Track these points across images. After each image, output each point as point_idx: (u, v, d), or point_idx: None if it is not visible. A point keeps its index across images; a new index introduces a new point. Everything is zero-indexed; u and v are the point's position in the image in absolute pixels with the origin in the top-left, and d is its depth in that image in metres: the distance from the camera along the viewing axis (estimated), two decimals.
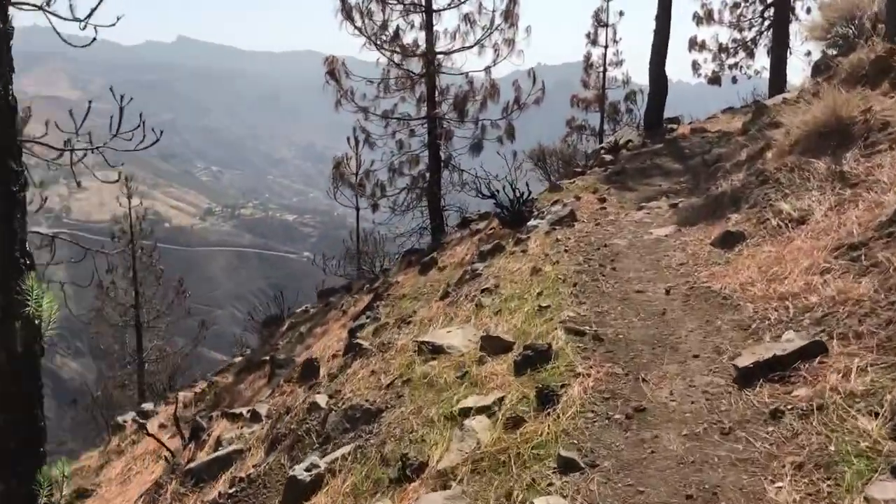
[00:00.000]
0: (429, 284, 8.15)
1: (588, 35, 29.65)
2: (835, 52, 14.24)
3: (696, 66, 24.13)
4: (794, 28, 22.23)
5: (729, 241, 6.23)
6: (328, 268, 16.75)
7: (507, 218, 8.92)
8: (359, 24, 13.40)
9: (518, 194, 8.97)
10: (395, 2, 13.67)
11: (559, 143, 30.89)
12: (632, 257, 6.45)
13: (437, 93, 14.61)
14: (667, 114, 17.13)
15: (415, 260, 13.78)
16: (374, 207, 14.84)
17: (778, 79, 21.80)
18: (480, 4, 14.44)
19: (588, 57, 29.77)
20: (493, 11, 14.05)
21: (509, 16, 13.82)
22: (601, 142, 27.65)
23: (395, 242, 15.35)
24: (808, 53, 23.25)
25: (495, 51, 13.86)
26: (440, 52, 13.98)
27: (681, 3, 17.60)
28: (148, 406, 12.78)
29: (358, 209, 15.44)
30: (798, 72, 22.74)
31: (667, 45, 16.64)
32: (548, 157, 18.39)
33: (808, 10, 22.30)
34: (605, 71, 29.49)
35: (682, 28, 20.77)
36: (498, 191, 12.91)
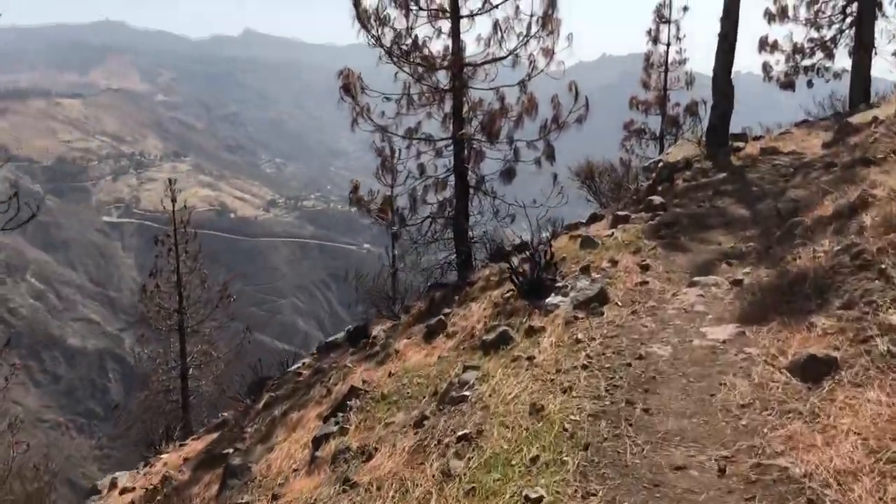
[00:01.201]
0: (417, 380, 6.39)
1: (649, 32, 27.34)
2: None
3: (766, 68, 21.67)
4: (879, 25, 19.68)
5: (814, 369, 4.31)
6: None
7: (525, 287, 7.11)
8: (375, 32, 11.68)
9: (539, 258, 7.13)
10: (417, 7, 11.88)
11: (617, 149, 28.94)
12: (674, 385, 4.58)
13: (465, 109, 12.80)
14: (733, 115, 14.89)
15: (435, 300, 12.07)
16: (395, 237, 13.16)
17: (860, 83, 19.27)
18: (517, 8, 12.55)
19: (648, 56, 27.48)
20: (531, 16, 12.15)
21: (547, 22, 11.90)
22: (661, 149, 25.38)
23: (420, 276, 13.64)
24: None
25: (531, 62, 11.97)
26: (468, 64, 12.15)
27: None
28: (121, 475, 11.45)
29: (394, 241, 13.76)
30: (884, 73, 20.05)
31: (734, 50, 14.45)
32: (597, 176, 16.38)
33: None
34: (666, 71, 27.18)
35: (752, 25, 18.40)
36: (521, 243, 11.09)
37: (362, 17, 11.74)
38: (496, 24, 11.78)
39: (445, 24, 12.66)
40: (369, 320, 13.22)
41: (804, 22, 20.71)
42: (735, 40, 14.34)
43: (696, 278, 6.46)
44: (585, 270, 7.03)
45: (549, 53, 11.95)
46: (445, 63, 12.16)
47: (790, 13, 20.64)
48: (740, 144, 14.33)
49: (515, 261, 7.53)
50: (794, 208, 7.97)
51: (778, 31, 21.28)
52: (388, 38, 11.86)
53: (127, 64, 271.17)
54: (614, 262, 7.09)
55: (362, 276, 14.00)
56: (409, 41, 11.67)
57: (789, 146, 13.93)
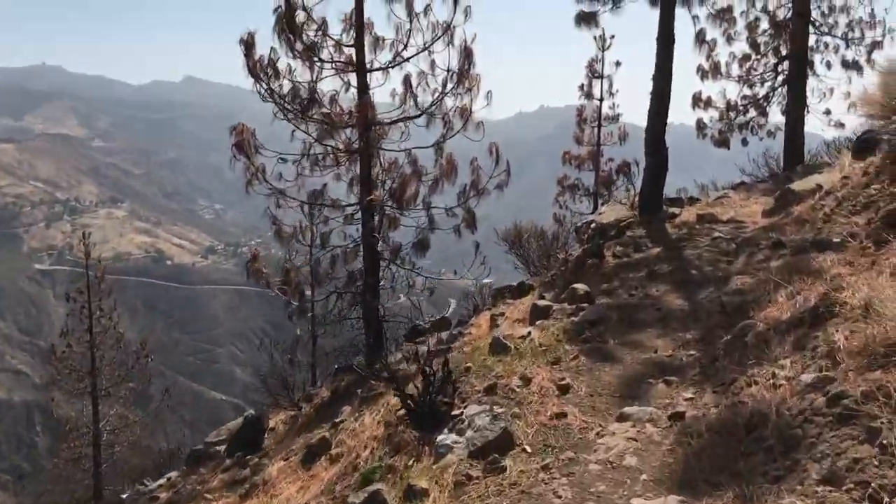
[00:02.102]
0: None
1: (581, 87, 26.68)
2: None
3: (700, 125, 20.90)
4: (811, 84, 19.13)
5: None
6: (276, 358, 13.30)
7: (416, 413, 5.55)
8: (266, 84, 10.19)
9: (433, 376, 5.58)
10: (319, 59, 10.44)
11: (551, 204, 27.92)
12: None
13: (377, 171, 11.36)
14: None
15: (339, 390, 10.46)
16: (296, 315, 11.50)
17: (794, 142, 18.57)
18: (433, 63, 11.25)
19: (581, 111, 26.76)
20: (448, 72, 10.84)
21: (464, 78, 10.60)
22: (595, 206, 24.41)
23: (329, 357, 11.99)
24: (828, 112, 20.08)
25: (445, 122, 10.63)
26: (377, 123, 10.73)
27: (683, 54, 14.39)
28: None
29: (291, 318, 12.02)
30: (815, 130, 19.39)
31: (667, 110, 13.42)
32: (525, 241, 15.07)
33: (829, 66, 19.15)
34: (599, 126, 26.49)
35: (685, 82, 17.56)
36: (440, 319, 9.74)
37: (254, 68, 10.24)
38: (407, 80, 10.40)
39: (355, 78, 11.28)
40: (266, 410, 11.49)
41: (737, 79, 20.05)
42: (668, 99, 13.32)
43: (626, 409, 5.00)
44: (491, 391, 5.53)
45: (466, 112, 10.62)
46: (352, 121, 10.70)
47: (723, 70, 19.95)
48: (675, 210, 13.20)
49: (423, 348, 5.97)
50: (741, 303, 6.66)
51: (711, 88, 20.81)
52: (285, 91, 10.36)
53: (64, 109, 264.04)
54: (527, 380, 5.60)
55: (278, 345, 12.30)
56: (306, 96, 10.17)
57: (728, 212, 12.84)
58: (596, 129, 26.48)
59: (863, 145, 11.15)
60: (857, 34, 18.43)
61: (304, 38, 10.07)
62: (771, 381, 4.75)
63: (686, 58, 18.13)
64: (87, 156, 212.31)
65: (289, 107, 10.25)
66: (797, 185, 11.74)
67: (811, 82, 19.13)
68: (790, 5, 18.49)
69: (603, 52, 25.84)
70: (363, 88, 10.79)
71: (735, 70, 20.00)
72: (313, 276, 11.23)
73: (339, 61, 10.79)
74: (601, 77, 26.08)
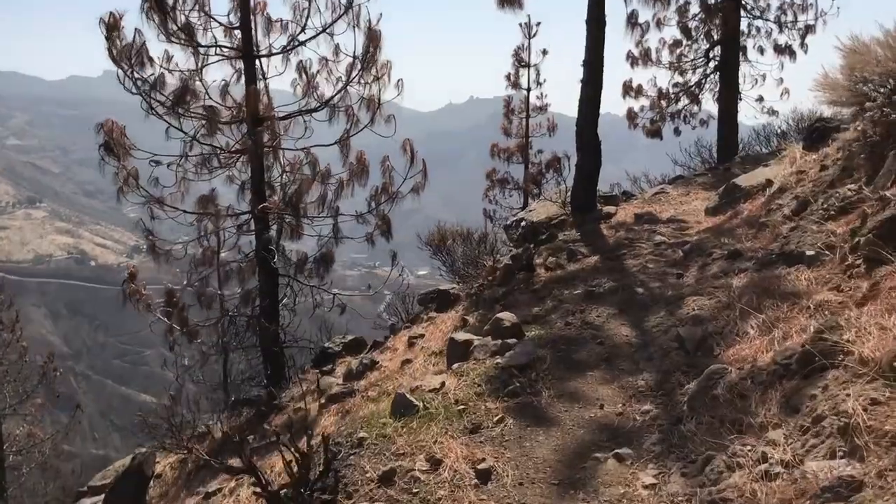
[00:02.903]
0: None
1: (508, 77, 25.35)
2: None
3: (631, 115, 19.83)
4: (742, 70, 18.24)
5: None
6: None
7: None
8: (129, 72, 8.45)
9: (309, 464, 4.07)
10: (195, 43, 8.74)
11: (481, 199, 26.61)
12: None
13: (279, 173, 9.74)
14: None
15: (231, 432, 8.85)
16: (177, 344, 9.77)
17: (727, 130, 17.73)
18: (337, 48, 9.68)
19: (508, 102, 25.45)
20: (354, 57, 9.29)
21: (370, 64, 9.07)
22: (525, 203, 23.13)
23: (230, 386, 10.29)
24: (761, 99, 19.25)
25: (349, 116, 9.08)
26: (266, 118, 9.06)
27: (614, 39, 13.15)
28: None
29: (172, 349, 10.23)
30: (747, 119, 18.49)
31: (598, 99, 12.17)
32: (449, 244, 13.61)
33: (762, 51, 18.26)
34: (528, 117, 25.24)
35: (614, 69, 16.38)
36: (352, 341, 8.36)
37: (119, 55, 8.47)
38: (302, 67, 8.81)
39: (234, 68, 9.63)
40: (152, 453, 9.75)
41: (668, 66, 19.01)
42: (599, 88, 12.05)
43: None
44: (388, 480, 4.06)
45: (373, 104, 9.09)
46: (242, 115, 9.04)
47: (653, 56, 18.89)
48: (611, 209, 11.97)
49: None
50: (703, 336, 5.34)
51: (642, 76, 19.73)
52: (154, 83, 8.62)
53: None
54: (436, 462, 4.15)
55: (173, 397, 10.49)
56: (178, 86, 8.47)
57: (667, 210, 11.68)
58: (524, 121, 25.27)
59: (814, 135, 10.10)
60: (790, 17, 17.58)
61: (179, 17, 8.35)
62: (762, 468, 3.42)
63: (616, 43, 16.95)
64: (2, 155, 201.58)
65: (158, 99, 8.51)
66: (743, 180, 10.63)
67: (743, 68, 18.27)
68: None
69: (529, 39, 24.58)
70: (251, 78, 9.17)
71: (666, 56, 18.96)
72: (200, 297, 9.51)
73: (225, 46, 9.11)
74: (528, 66, 24.82)
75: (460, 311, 9.56)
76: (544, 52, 24.86)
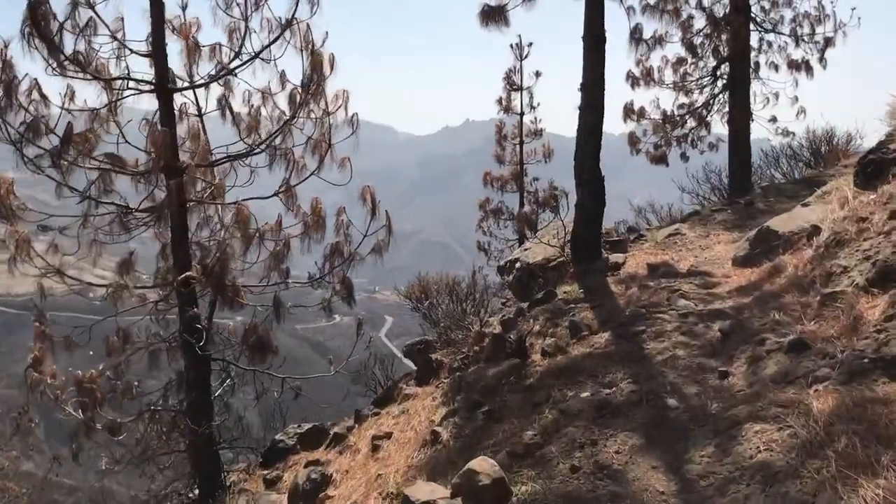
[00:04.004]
0: None
1: (499, 101, 23.56)
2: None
3: (633, 139, 17.92)
4: (753, 88, 16.34)
5: None
6: None
7: None
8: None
9: None
10: (83, 74, 6.80)
11: (475, 230, 24.72)
12: None
13: (211, 229, 7.77)
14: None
15: None
16: (83, 445, 7.75)
17: (739, 155, 15.76)
18: (283, 75, 7.76)
19: (500, 127, 23.65)
20: (296, 87, 7.35)
21: (318, 95, 7.13)
22: (521, 239, 21.12)
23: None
24: (774, 120, 17.35)
25: (288, 160, 7.15)
26: (185, 167, 7.10)
27: (614, 59, 11.19)
28: None
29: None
30: (756, 139, 16.39)
31: (601, 128, 10.27)
32: (432, 298, 11.61)
33: (776, 68, 16.37)
34: (521, 143, 23.42)
35: (615, 91, 14.45)
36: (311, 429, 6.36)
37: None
38: (225, 102, 6.88)
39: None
40: None
41: (672, 86, 17.12)
42: (601, 114, 10.15)
43: None
44: None
45: (322, 146, 7.15)
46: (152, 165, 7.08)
47: (655, 76, 17.01)
48: (618, 258, 9.99)
49: None
50: None
51: (644, 97, 17.92)
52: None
53: None
54: None
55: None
56: (65, 131, 6.52)
57: (686, 259, 9.70)
58: (518, 147, 23.41)
59: (869, 169, 8.14)
60: (807, 30, 15.70)
61: (63, 43, 6.43)
62: None
63: (617, 62, 15.05)
64: None
65: (43, 147, 6.56)
66: (779, 224, 8.64)
67: (754, 86, 16.36)
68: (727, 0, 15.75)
69: (521, 61, 22.82)
70: (168, 115, 7.21)
71: (669, 76, 17.08)
72: (113, 389, 7.50)
73: (133, 79, 7.18)
74: (520, 89, 23.03)
75: (438, 398, 7.56)
76: (537, 74, 23.11)
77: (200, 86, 7.51)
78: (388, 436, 7.20)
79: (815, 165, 17.45)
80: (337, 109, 7.56)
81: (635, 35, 13.97)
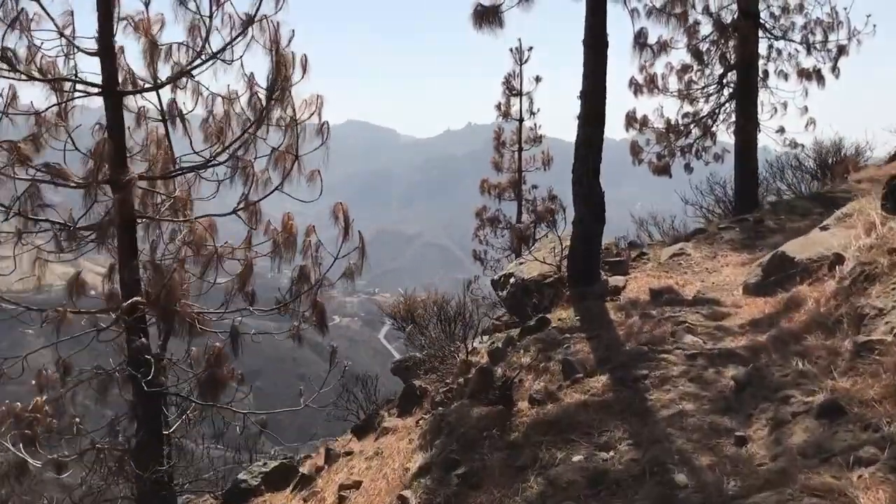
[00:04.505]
0: None
1: (498, 106, 22.75)
2: None
3: (636, 149, 17.11)
4: (762, 97, 15.50)
5: None
6: None
7: None
8: None
9: None
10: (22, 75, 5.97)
11: (471, 238, 23.91)
12: None
13: (160, 253, 6.91)
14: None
15: None
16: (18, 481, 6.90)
17: (747, 166, 14.90)
18: (250, 78, 6.93)
19: (499, 133, 22.84)
20: (257, 93, 6.51)
21: (284, 102, 6.29)
22: (518, 251, 20.26)
23: None
24: (782, 130, 16.53)
25: (247, 174, 6.31)
26: (129, 181, 6.23)
27: (616, 65, 10.31)
28: None
29: None
30: (761, 147, 15.46)
31: (601, 139, 9.43)
32: (420, 317, 10.77)
33: (785, 77, 15.53)
34: (520, 150, 22.61)
35: (617, 98, 13.57)
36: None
37: None
38: (175, 109, 6.03)
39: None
40: None
41: (676, 94, 16.30)
42: (601, 125, 9.32)
43: None
44: None
45: (287, 157, 6.30)
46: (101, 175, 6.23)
47: (659, 83, 16.18)
48: (618, 281, 9.14)
49: None
50: None
51: (647, 105, 16.94)
52: None
53: None
54: None
55: None
56: None
57: (691, 283, 8.86)
58: (517, 154, 22.60)
59: None
60: (819, 37, 14.84)
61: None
62: None
63: (619, 68, 14.19)
64: None
65: None
66: (795, 250, 7.77)
67: (761, 95, 15.50)
68: (735, 5, 14.90)
69: (521, 65, 22.03)
70: (117, 121, 6.37)
71: (673, 83, 16.26)
72: (52, 429, 6.65)
73: (79, 80, 6.35)
74: (520, 94, 22.22)
75: (415, 441, 6.72)
76: (538, 80, 22.35)
77: (151, 89, 6.66)
78: (357, 485, 6.37)
79: (821, 178, 16.62)
80: (311, 116, 6.73)
81: (640, 39, 13.11)
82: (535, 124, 22.38)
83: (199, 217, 6.67)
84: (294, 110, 6.39)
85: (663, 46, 15.26)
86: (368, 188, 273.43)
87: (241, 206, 6.42)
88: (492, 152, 23.20)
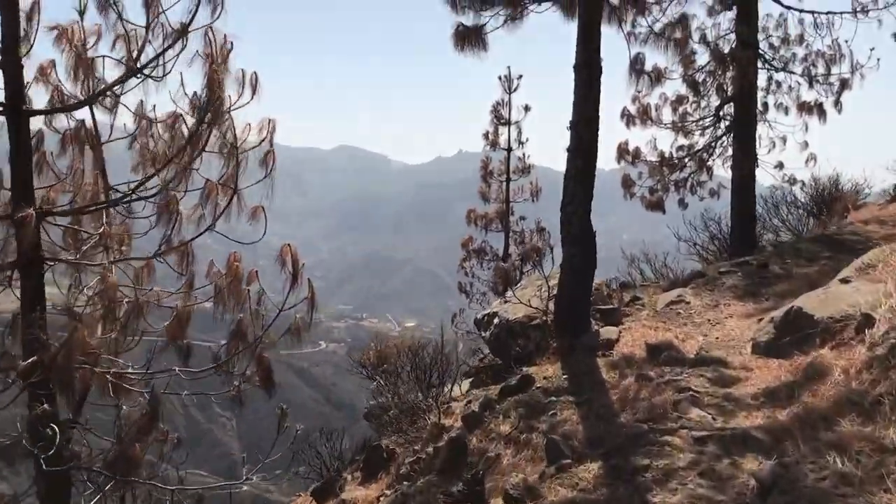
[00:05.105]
0: None
1: (486, 135, 21.78)
2: None
3: (628, 182, 16.12)
4: (760, 131, 14.60)
5: None
6: None
7: None
8: None
9: None
10: None
11: (458, 272, 22.83)
12: None
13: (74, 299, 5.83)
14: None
15: None
16: None
17: (745, 203, 13.98)
18: (193, 99, 5.87)
19: (486, 163, 21.83)
20: (182, 116, 5.50)
21: (218, 119, 5.25)
22: (505, 288, 19.19)
23: None
24: (780, 166, 15.59)
25: (171, 215, 5.25)
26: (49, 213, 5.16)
27: (609, 93, 9.29)
28: None
29: None
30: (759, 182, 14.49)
31: (593, 174, 8.45)
32: (393, 364, 9.66)
33: (786, 110, 14.64)
34: (508, 180, 21.62)
35: (609, 129, 12.56)
36: None
37: None
38: (85, 131, 4.95)
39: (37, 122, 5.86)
40: None
41: (670, 126, 15.38)
42: (593, 159, 8.35)
43: None
44: None
45: (217, 191, 5.27)
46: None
47: (653, 114, 15.27)
48: (611, 333, 8.09)
49: None
50: None
51: (640, 137, 16.02)
52: None
53: None
54: None
55: None
56: None
57: (693, 336, 7.83)
58: (504, 184, 21.63)
59: None
60: (821, 70, 13.99)
61: None
62: None
63: (612, 97, 13.27)
64: None
65: None
66: (814, 307, 6.71)
67: (759, 129, 14.60)
68: (733, 35, 14.05)
69: (510, 94, 21.11)
70: (24, 144, 5.30)
71: (668, 115, 15.33)
72: None
73: None
74: (508, 124, 21.28)
75: None
76: (527, 109, 21.40)
77: (60, 111, 5.61)
78: None
79: (818, 215, 15.70)
80: (261, 142, 5.67)
81: (636, 66, 12.14)
82: (523, 154, 21.41)
83: (132, 258, 5.59)
84: (235, 136, 5.35)
85: (658, 76, 14.36)
86: (359, 213, 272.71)
87: (162, 248, 5.34)
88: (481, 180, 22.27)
